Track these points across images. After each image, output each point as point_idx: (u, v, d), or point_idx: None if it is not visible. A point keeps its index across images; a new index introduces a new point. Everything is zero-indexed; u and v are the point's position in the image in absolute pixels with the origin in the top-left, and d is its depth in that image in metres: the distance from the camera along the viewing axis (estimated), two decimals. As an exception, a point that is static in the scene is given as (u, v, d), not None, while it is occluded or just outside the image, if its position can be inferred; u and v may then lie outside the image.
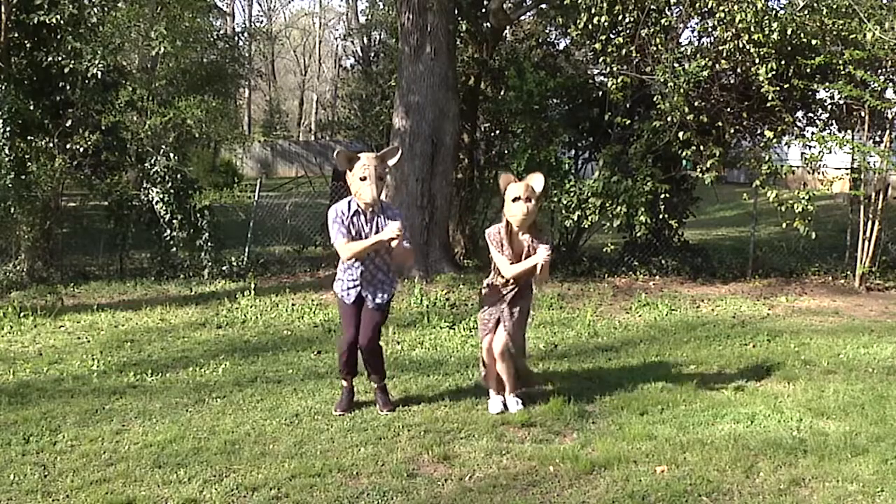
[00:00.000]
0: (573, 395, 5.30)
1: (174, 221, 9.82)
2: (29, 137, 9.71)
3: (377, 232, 4.87)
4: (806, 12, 8.85)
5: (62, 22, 9.66)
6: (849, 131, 10.35)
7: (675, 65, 8.99)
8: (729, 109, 9.55)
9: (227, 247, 10.54)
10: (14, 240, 9.58)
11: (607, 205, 9.50)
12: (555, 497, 3.92)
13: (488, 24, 11.46)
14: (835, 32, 8.83)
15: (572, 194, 9.63)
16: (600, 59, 9.76)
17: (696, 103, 9.15)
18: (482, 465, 4.28)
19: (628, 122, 9.79)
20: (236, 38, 17.72)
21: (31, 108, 9.59)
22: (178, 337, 7.23)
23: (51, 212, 9.93)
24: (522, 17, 13.22)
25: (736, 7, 8.62)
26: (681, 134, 9.24)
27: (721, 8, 8.74)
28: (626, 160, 9.73)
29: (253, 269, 10.27)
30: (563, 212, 9.69)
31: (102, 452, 4.43)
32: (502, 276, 5.04)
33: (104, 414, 5.07)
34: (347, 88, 21.00)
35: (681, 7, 9.64)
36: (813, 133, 9.51)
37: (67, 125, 9.88)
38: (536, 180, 4.90)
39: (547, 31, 13.14)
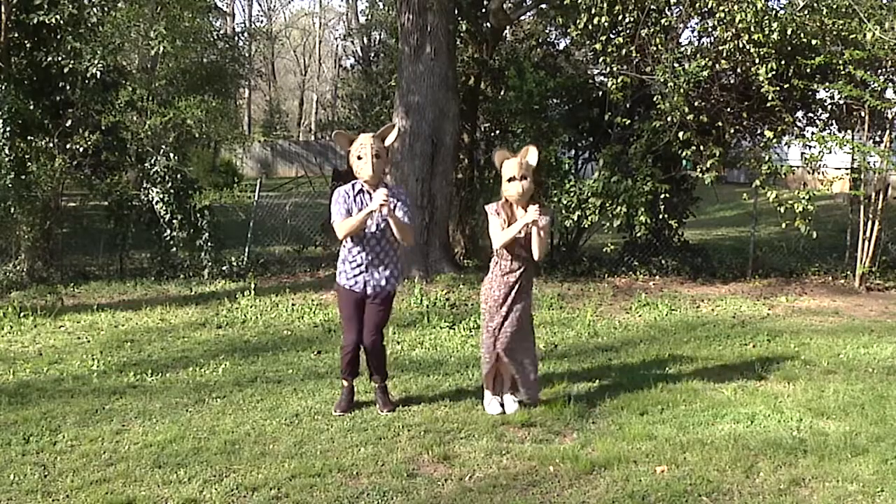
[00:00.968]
0: (573, 395, 5.30)
1: (174, 221, 9.82)
2: (29, 137, 9.71)
3: (374, 215, 4.87)
4: (806, 12, 8.85)
5: (62, 22, 9.66)
6: (849, 131, 10.35)
7: (675, 65, 8.99)
8: (729, 109, 9.55)
9: (227, 247, 10.54)
10: (14, 240, 9.58)
11: (607, 205, 9.50)
12: (555, 497, 3.92)
13: (488, 24, 11.46)
14: (835, 32, 8.83)
15: (572, 194, 9.63)
16: (600, 59, 9.76)
17: (696, 103, 9.14)
18: (482, 465, 4.28)
19: (628, 122, 9.79)
20: (236, 38, 17.72)
21: (31, 108, 9.59)
22: (178, 337, 7.23)
23: (51, 212, 9.93)
24: (522, 17, 13.22)
25: (736, 7, 8.62)
26: (681, 134, 9.24)
27: (721, 8, 8.74)
28: (626, 160, 9.73)
29: (253, 269, 10.27)
30: (563, 212, 9.69)
31: (102, 452, 4.43)
32: (502, 269, 4.98)
33: (104, 414, 5.07)
34: (347, 88, 21.00)
35: (681, 7, 9.64)
36: (813, 133, 9.51)
37: (67, 125, 9.89)
38: (531, 155, 4.91)
39: (547, 31, 13.14)
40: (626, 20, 9.38)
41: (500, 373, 5.13)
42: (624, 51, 9.31)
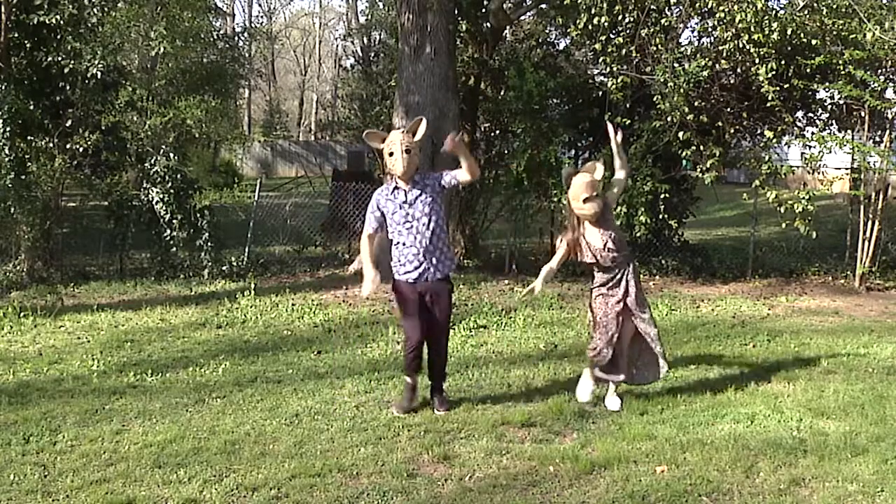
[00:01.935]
0: (573, 395, 5.30)
1: (174, 221, 9.82)
2: (29, 137, 9.72)
3: (415, 199, 4.90)
4: (806, 12, 8.85)
5: (62, 22, 9.66)
6: (849, 131, 10.35)
7: (675, 65, 8.99)
8: (729, 109, 9.55)
9: (227, 247, 10.53)
10: (14, 240, 9.58)
11: (607, 205, 9.49)
12: (555, 497, 3.92)
13: (488, 24, 11.46)
14: (835, 32, 8.83)
15: (572, 194, 9.62)
16: (600, 59, 9.76)
17: (696, 103, 9.15)
18: (482, 465, 4.28)
19: (628, 122, 9.79)
20: (236, 38, 17.69)
21: (31, 108, 9.60)
22: (178, 337, 7.23)
23: (51, 212, 9.93)
24: (522, 17, 13.22)
25: (736, 7, 8.62)
26: (681, 134, 9.24)
27: (721, 8, 8.74)
28: (626, 160, 9.73)
29: (253, 269, 10.27)
30: (563, 212, 9.68)
31: (102, 452, 4.43)
32: (601, 263, 5.02)
33: (104, 414, 5.07)
34: (347, 88, 20.99)
35: (681, 7, 9.64)
36: (813, 133, 9.51)
37: (67, 125, 9.89)
38: (597, 172, 5.07)
39: (547, 31, 13.14)
40: (626, 20, 9.38)
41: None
42: (624, 51, 9.31)
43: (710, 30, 9.60)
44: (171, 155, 9.90)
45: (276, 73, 43.47)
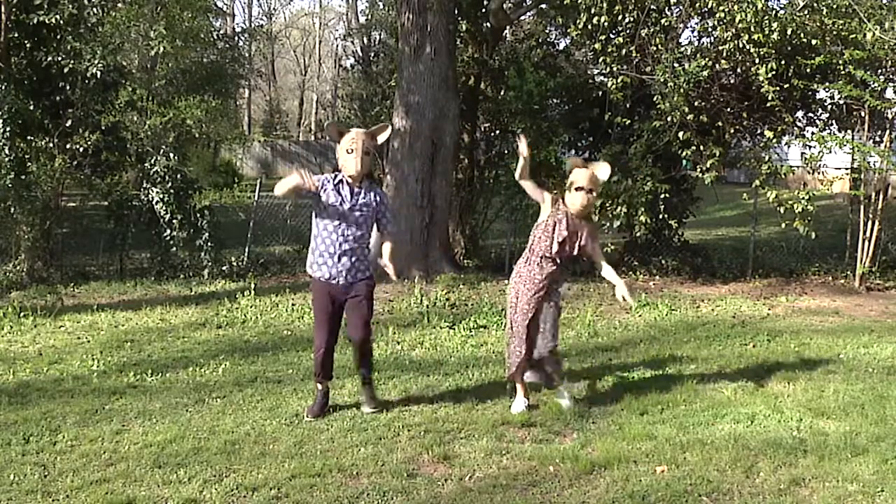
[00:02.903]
0: (573, 395, 5.30)
1: (174, 221, 9.82)
2: (29, 137, 9.72)
3: (357, 204, 4.78)
4: (806, 12, 8.86)
5: (62, 22, 9.67)
6: (849, 131, 10.35)
7: (675, 65, 9.00)
8: (729, 109, 9.55)
9: (227, 247, 10.54)
10: (14, 240, 9.59)
11: (607, 205, 9.50)
12: (555, 497, 3.92)
13: (488, 24, 11.46)
14: (835, 32, 8.83)
15: (572, 194, 9.62)
16: (600, 59, 9.76)
17: (696, 103, 9.15)
18: (482, 465, 4.28)
19: (628, 122, 9.80)
20: (236, 38, 17.72)
21: (31, 108, 9.60)
22: (178, 337, 7.23)
23: (51, 212, 9.93)
24: (522, 17, 13.23)
25: (736, 7, 8.62)
26: (681, 134, 9.24)
27: (721, 8, 8.74)
28: (626, 160, 9.73)
29: (253, 269, 10.28)
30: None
31: (102, 452, 4.43)
32: (546, 259, 4.96)
33: (104, 414, 5.07)
34: (347, 88, 20.96)
35: (681, 7, 9.64)
36: (813, 133, 9.52)
37: (67, 125, 9.89)
38: (603, 170, 4.94)
39: (547, 31, 13.14)
40: (626, 20, 9.39)
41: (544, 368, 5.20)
42: (624, 51, 9.32)
43: (710, 30, 9.60)
44: (171, 155, 9.91)
45: (276, 73, 43.47)
